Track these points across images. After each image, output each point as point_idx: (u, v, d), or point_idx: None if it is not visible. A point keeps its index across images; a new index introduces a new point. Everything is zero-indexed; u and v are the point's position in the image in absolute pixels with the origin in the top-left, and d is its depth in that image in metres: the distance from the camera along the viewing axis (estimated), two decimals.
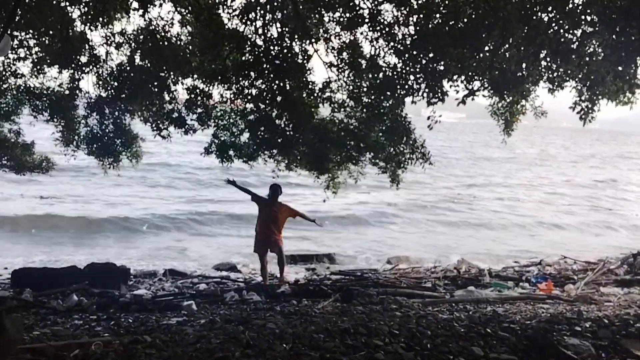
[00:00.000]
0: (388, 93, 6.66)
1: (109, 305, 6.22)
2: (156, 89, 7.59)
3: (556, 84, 6.15)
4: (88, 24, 7.35)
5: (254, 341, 3.78)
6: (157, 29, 7.38)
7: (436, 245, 13.65)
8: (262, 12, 7.25)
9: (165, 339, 4.06)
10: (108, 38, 7.57)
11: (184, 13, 7.59)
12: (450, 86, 6.06)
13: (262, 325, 4.53)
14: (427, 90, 6.05)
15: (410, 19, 6.17)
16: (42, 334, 4.48)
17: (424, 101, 6.13)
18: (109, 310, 5.99)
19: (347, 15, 6.72)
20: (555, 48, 5.33)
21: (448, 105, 6.47)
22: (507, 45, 5.67)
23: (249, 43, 7.33)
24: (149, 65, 7.47)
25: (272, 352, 3.52)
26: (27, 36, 7.21)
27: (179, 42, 7.54)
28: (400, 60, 6.25)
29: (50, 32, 7.18)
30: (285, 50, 7.39)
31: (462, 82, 6.02)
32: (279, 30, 7.43)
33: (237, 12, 7.05)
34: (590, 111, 6.32)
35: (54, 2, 7.06)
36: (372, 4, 6.44)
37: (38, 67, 7.54)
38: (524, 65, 5.76)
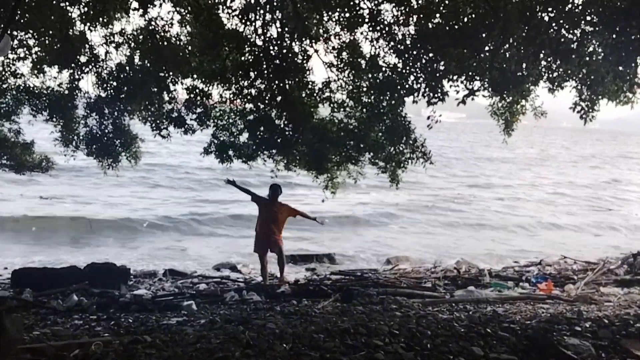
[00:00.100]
0: (388, 93, 6.66)
1: (109, 305, 6.23)
2: (156, 89, 7.61)
3: (556, 83, 6.16)
4: (88, 24, 7.35)
5: (254, 341, 3.77)
6: (157, 29, 7.38)
7: (436, 245, 13.62)
8: (261, 12, 7.24)
9: (165, 339, 4.05)
10: (108, 38, 7.58)
11: (184, 13, 7.59)
12: (450, 86, 6.07)
13: (262, 325, 4.53)
14: (427, 90, 6.05)
15: (410, 19, 6.16)
16: (42, 334, 4.48)
17: (424, 101, 6.13)
18: (109, 310, 5.99)
19: (347, 15, 6.71)
20: (555, 48, 5.34)
21: (448, 105, 6.47)
22: (507, 45, 5.67)
23: (248, 43, 7.32)
24: (148, 65, 7.48)
25: (272, 352, 3.52)
26: (27, 36, 7.21)
27: (178, 42, 7.54)
28: (400, 60, 6.25)
29: (50, 32, 7.18)
30: (284, 50, 7.39)
31: (462, 82, 6.03)
32: (279, 30, 7.42)
33: (236, 12, 7.04)
34: (590, 111, 6.34)
35: (54, 2, 7.05)
36: (372, 4, 6.43)
37: (38, 67, 7.53)
38: (524, 65, 5.76)
